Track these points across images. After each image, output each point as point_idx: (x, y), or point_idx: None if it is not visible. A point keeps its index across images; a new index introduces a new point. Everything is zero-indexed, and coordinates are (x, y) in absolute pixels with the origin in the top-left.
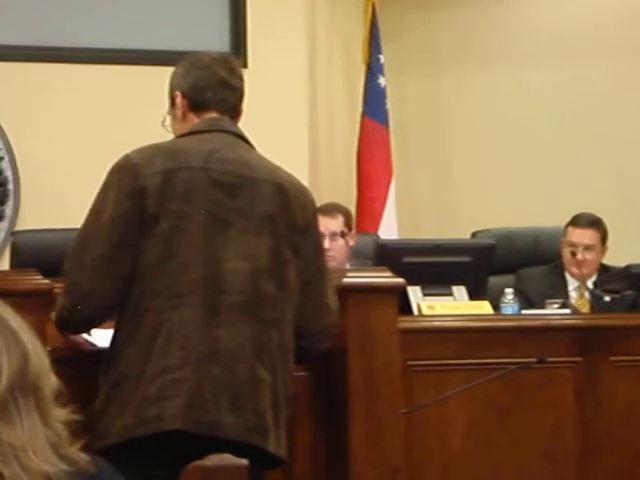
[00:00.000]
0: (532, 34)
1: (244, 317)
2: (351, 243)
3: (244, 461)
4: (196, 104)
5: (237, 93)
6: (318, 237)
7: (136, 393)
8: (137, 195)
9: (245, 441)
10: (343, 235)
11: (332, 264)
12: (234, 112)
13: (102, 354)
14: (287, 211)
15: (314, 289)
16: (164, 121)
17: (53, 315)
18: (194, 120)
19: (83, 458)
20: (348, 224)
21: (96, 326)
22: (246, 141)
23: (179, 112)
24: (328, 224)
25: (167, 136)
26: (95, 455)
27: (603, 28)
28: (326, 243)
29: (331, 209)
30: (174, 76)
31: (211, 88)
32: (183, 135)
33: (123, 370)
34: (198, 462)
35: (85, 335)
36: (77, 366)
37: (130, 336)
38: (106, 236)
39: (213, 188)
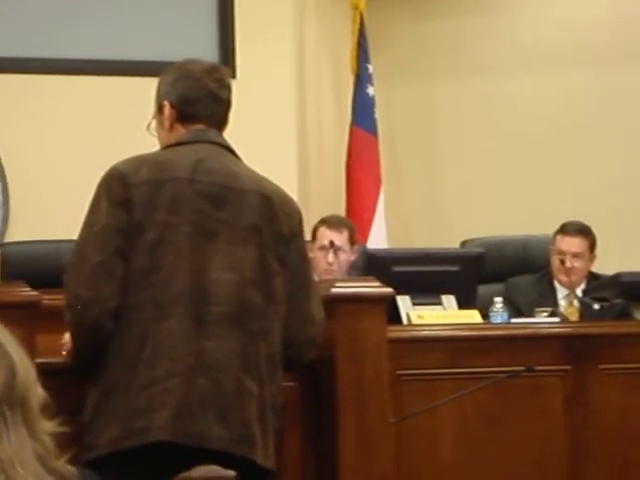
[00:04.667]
0: (520, 43)
1: (231, 328)
2: (352, 257)
3: (231, 472)
4: (184, 116)
5: (225, 105)
6: (304, 247)
7: (123, 405)
8: (126, 203)
9: (232, 452)
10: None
11: (332, 277)
12: (221, 124)
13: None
14: (273, 222)
15: (299, 299)
16: (149, 125)
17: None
18: (181, 131)
19: (70, 471)
20: (352, 239)
21: (105, 334)
22: (232, 152)
23: (167, 123)
24: (334, 238)
25: (154, 145)
26: (83, 467)
27: (591, 37)
28: (329, 257)
29: (338, 224)
30: (162, 83)
31: (200, 101)
32: (169, 146)
33: (110, 381)
34: (185, 474)
35: None
36: (64, 378)
37: (117, 347)
38: (102, 245)
39: (199, 199)
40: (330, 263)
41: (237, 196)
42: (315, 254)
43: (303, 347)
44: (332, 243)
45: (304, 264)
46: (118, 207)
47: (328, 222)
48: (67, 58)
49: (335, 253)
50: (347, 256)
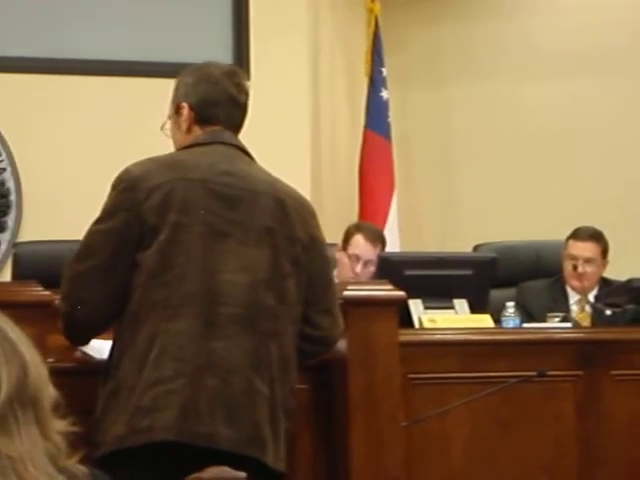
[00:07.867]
0: (533, 47)
1: (241, 329)
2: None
3: (242, 474)
4: (203, 118)
5: (242, 109)
6: (325, 250)
7: (129, 403)
8: (136, 208)
9: (241, 453)
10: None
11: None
12: (237, 127)
13: (101, 365)
14: (286, 224)
15: (320, 296)
16: (164, 125)
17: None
18: (197, 132)
19: (81, 470)
20: (382, 251)
21: (95, 333)
22: (247, 153)
23: (184, 124)
24: (367, 251)
25: (168, 147)
26: (93, 465)
27: (603, 42)
28: (357, 268)
29: (374, 237)
30: (181, 85)
31: (220, 105)
32: (185, 147)
33: (119, 380)
34: (196, 474)
35: (84, 349)
36: (76, 377)
37: (127, 346)
38: (101, 247)
39: (212, 200)
40: (357, 274)
41: (250, 198)
42: (343, 259)
43: (321, 342)
44: (364, 256)
45: (327, 266)
46: (126, 211)
47: (365, 232)
48: (82, 59)
49: (365, 265)
50: (374, 268)
